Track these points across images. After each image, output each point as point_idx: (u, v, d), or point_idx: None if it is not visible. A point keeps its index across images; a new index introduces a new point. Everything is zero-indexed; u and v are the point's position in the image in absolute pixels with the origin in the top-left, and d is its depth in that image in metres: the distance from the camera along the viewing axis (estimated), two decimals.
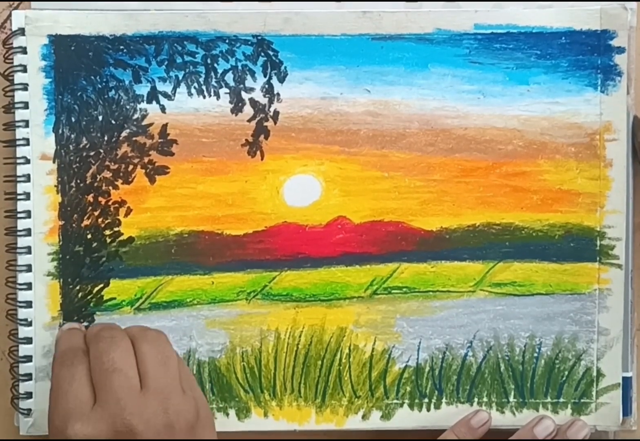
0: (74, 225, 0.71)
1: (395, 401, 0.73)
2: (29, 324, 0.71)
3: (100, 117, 0.71)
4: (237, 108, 0.71)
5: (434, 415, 0.73)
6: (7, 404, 0.72)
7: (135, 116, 0.71)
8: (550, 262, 0.72)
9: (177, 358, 0.64)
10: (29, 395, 0.71)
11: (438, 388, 0.73)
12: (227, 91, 0.71)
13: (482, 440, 0.72)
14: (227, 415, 0.72)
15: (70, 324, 0.70)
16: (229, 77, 0.71)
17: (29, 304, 0.71)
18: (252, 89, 0.71)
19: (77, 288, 0.71)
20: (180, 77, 0.71)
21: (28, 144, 0.71)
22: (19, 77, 0.71)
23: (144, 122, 0.71)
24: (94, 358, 0.62)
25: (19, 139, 0.71)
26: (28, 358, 0.71)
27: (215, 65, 0.71)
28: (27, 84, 0.71)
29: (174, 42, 0.71)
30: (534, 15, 0.71)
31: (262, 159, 0.72)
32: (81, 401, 0.60)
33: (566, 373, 0.73)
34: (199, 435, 0.62)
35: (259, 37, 0.71)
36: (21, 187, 0.71)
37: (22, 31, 0.70)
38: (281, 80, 0.71)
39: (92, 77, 0.71)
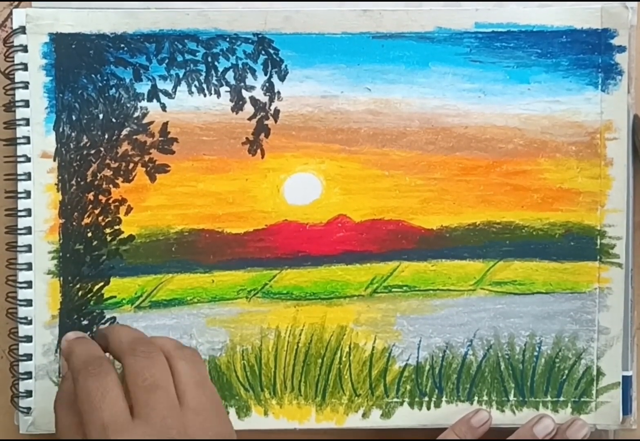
0: (74, 223, 0.71)
1: (395, 399, 0.73)
2: (29, 322, 0.71)
3: (100, 116, 0.71)
4: (237, 106, 0.71)
5: (434, 413, 0.73)
6: (7, 402, 0.72)
7: (136, 114, 0.71)
8: (550, 261, 0.72)
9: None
10: (29, 394, 0.71)
11: (438, 387, 0.73)
12: (228, 89, 0.71)
13: (482, 439, 0.72)
14: (227, 413, 0.72)
15: (75, 333, 0.65)
16: (230, 76, 0.71)
17: (29, 303, 0.71)
18: (252, 88, 0.71)
19: (78, 286, 0.71)
20: (181, 76, 0.71)
21: (29, 143, 0.71)
22: (19, 76, 0.71)
23: (145, 121, 0.71)
24: (132, 373, 0.59)
25: (20, 138, 0.71)
26: (28, 357, 0.71)
27: (216, 63, 0.71)
28: (27, 82, 0.71)
29: (174, 41, 0.71)
30: (534, 13, 0.71)
31: (262, 157, 0.72)
32: (118, 415, 0.57)
33: (566, 371, 0.73)
34: None
35: (260, 36, 0.71)
36: (22, 186, 0.71)
37: (22, 29, 0.70)
38: (282, 78, 0.71)
39: (93, 76, 0.71)
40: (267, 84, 0.71)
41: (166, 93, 0.71)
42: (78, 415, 0.58)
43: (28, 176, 0.71)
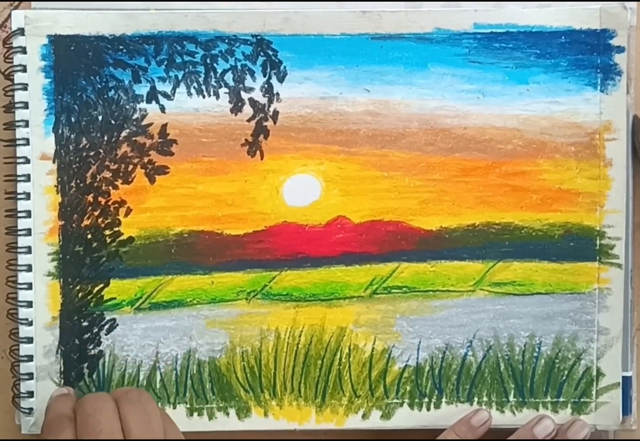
0: (74, 225, 0.71)
1: (395, 400, 0.73)
2: (30, 323, 0.71)
3: (100, 117, 0.71)
4: (236, 108, 0.71)
5: (433, 414, 0.73)
6: (8, 403, 0.72)
7: (135, 116, 0.71)
8: (550, 261, 0.72)
9: (162, 413, 0.66)
10: (30, 394, 0.72)
11: (438, 388, 0.73)
12: (227, 90, 0.71)
13: (482, 439, 0.72)
14: (227, 414, 0.72)
15: (59, 390, 0.71)
16: (229, 77, 0.71)
17: (29, 304, 0.71)
18: (251, 89, 0.71)
19: (77, 287, 0.72)
20: (180, 77, 0.71)
21: (28, 144, 0.71)
22: (18, 77, 0.71)
23: (144, 122, 0.71)
24: (80, 422, 0.64)
25: (19, 139, 0.71)
26: (29, 358, 0.71)
27: (215, 65, 0.71)
28: (27, 84, 0.71)
29: (173, 42, 0.71)
30: (533, 14, 0.71)
31: (261, 158, 0.72)
32: None
33: (566, 372, 0.73)
34: None
35: (259, 37, 0.71)
36: (21, 187, 0.71)
37: (21, 31, 0.70)
38: (281, 80, 0.71)
39: (92, 77, 0.71)
40: (266, 86, 0.71)
41: (165, 95, 0.71)
42: None
43: (27, 177, 0.71)
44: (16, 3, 0.72)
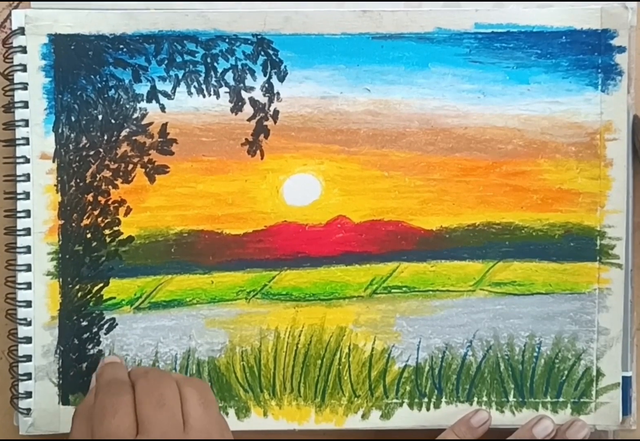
0: (73, 224, 0.71)
1: (394, 400, 0.73)
2: (29, 323, 0.71)
3: (100, 117, 0.71)
4: (237, 107, 0.71)
5: (433, 414, 0.73)
6: (7, 403, 0.72)
7: (135, 115, 0.71)
8: (550, 261, 0.72)
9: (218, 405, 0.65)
10: (28, 395, 0.71)
11: (438, 388, 0.73)
12: (227, 90, 0.71)
13: (481, 439, 0.72)
14: (227, 414, 0.72)
15: (111, 358, 0.70)
16: (229, 77, 0.71)
17: (28, 304, 0.71)
18: (252, 88, 0.71)
19: (77, 287, 0.71)
20: (180, 77, 0.71)
21: (28, 144, 0.71)
22: (18, 77, 0.71)
23: (144, 122, 0.71)
24: (143, 392, 0.62)
25: (19, 139, 0.71)
26: (28, 358, 0.71)
27: (215, 64, 0.71)
28: (27, 84, 0.70)
29: (173, 42, 0.71)
30: (534, 14, 0.71)
31: (262, 158, 0.72)
32: (124, 431, 0.60)
33: (566, 372, 0.73)
34: None
35: (259, 36, 0.71)
36: (21, 187, 0.71)
37: (22, 30, 0.70)
38: (281, 79, 0.71)
39: (92, 77, 0.71)
40: (266, 85, 0.71)
41: (165, 94, 0.71)
42: (91, 427, 0.61)
43: (27, 177, 0.71)
44: (16, 2, 0.72)
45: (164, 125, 0.71)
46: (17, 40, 0.70)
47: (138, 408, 0.61)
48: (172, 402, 0.62)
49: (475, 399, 0.73)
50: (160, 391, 0.62)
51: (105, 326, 0.72)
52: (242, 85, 0.71)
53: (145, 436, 0.60)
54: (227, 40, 0.71)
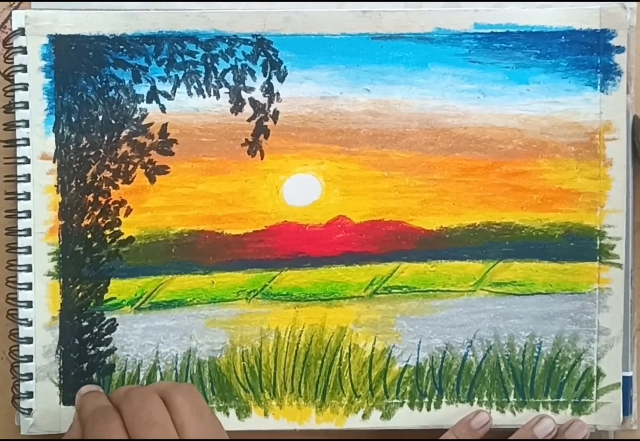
0: (74, 225, 0.71)
1: (395, 400, 0.73)
2: (30, 324, 0.71)
3: (100, 117, 0.71)
4: (237, 108, 0.71)
5: (434, 414, 0.73)
6: (8, 403, 0.72)
7: (135, 116, 0.71)
8: (550, 261, 0.72)
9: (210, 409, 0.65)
10: (29, 395, 0.72)
11: (438, 388, 0.73)
12: (227, 90, 0.71)
13: (482, 439, 0.72)
14: (227, 414, 0.72)
15: (88, 387, 0.70)
16: (229, 77, 0.71)
17: (29, 304, 0.71)
18: (251, 89, 0.71)
19: (78, 287, 0.72)
20: (180, 77, 0.71)
21: (28, 144, 0.71)
22: (19, 77, 0.71)
23: (144, 122, 0.71)
24: (130, 415, 0.61)
25: (19, 139, 0.71)
26: (29, 358, 0.71)
27: (215, 64, 0.71)
28: (27, 84, 0.71)
29: (173, 42, 0.71)
30: (533, 14, 0.71)
31: (262, 158, 0.72)
32: None
33: (566, 372, 0.73)
34: None
35: (259, 37, 0.71)
36: (21, 187, 0.71)
37: (22, 31, 0.70)
38: (281, 79, 0.71)
39: (92, 77, 0.71)
40: (266, 85, 0.71)
41: (165, 94, 0.71)
42: None
43: (28, 177, 0.71)
44: (16, 3, 0.72)
45: (164, 125, 0.71)
46: (18, 41, 0.70)
47: (130, 431, 0.60)
48: (162, 418, 0.61)
49: (476, 399, 0.73)
50: (146, 411, 0.61)
51: (106, 326, 0.72)
52: (242, 85, 0.71)
53: None
54: (227, 40, 0.71)
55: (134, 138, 0.71)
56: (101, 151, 0.71)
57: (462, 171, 0.72)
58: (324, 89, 0.71)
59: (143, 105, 0.71)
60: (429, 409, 0.73)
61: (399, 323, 0.73)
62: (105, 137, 0.71)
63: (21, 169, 0.71)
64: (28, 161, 0.71)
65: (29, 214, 0.71)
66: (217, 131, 0.71)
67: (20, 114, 0.71)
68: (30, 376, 0.71)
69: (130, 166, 0.71)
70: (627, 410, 0.73)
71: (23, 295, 0.71)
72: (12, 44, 0.71)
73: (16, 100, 0.71)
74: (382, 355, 0.73)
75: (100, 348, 0.72)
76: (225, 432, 0.64)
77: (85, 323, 0.72)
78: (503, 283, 0.72)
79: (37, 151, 0.71)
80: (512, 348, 0.73)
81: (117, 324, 0.72)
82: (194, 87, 0.71)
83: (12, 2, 0.72)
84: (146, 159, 0.71)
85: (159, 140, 0.71)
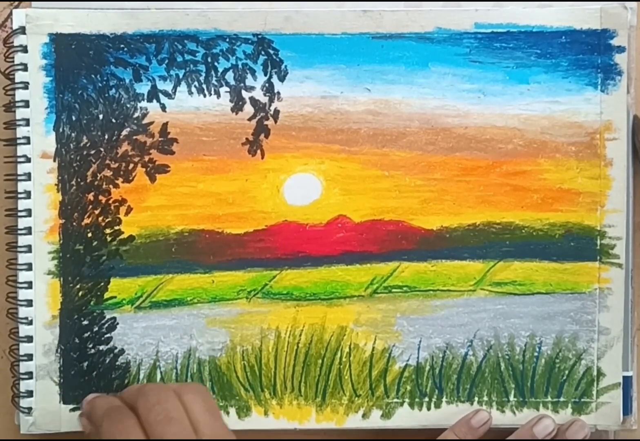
0: (74, 224, 0.71)
1: (395, 400, 0.73)
2: (30, 322, 0.71)
3: (100, 116, 0.71)
4: (237, 107, 0.71)
5: (434, 414, 0.73)
6: (8, 402, 0.72)
7: (136, 115, 0.71)
8: (550, 261, 0.72)
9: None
10: (29, 394, 0.72)
11: (438, 387, 0.73)
12: (228, 89, 0.71)
13: (482, 439, 0.72)
14: (228, 413, 0.72)
15: (93, 395, 0.69)
16: (230, 76, 0.71)
17: (29, 303, 0.71)
18: (252, 88, 0.71)
19: (78, 286, 0.72)
20: (181, 76, 0.71)
21: (29, 143, 0.71)
22: (19, 76, 0.71)
23: (145, 121, 0.71)
24: (146, 411, 0.61)
25: (20, 138, 0.71)
26: (29, 357, 0.71)
27: (216, 64, 0.71)
28: (27, 83, 0.71)
29: (174, 41, 0.71)
30: (534, 14, 0.71)
31: (262, 157, 0.72)
32: None
33: (566, 372, 0.73)
34: None
35: (260, 36, 0.71)
36: (22, 186, 0.71)
37: (22, 30, 0.70)
38: (281, 79, 0.71)
39: (93, 76, 0.71)
40: (266, 85, 0.71)
41: (166, 93, 0.71)
42: None
43: (28, 176, 0.71)
44: (17, 2, 0.72)
45: (165, 124, 0.71)
46: (18, 40, 0.71)
47: (147, 428, 0.60)
48: (179, 414, 0.61)
49: (476, 399, 0.73)
50: (163, 406, 0.61)
51: (106, 325, 0.72)
52: (242, 84, 0.71)
53: None
54: (227, 39, 0.71)
55: (134, 137, 0.71)
56: (101, 149, 0.71)
57: (463, 171, 0.72)
58: (324, 88, 0.71)
59: (143, 104, 0.71)
60: (429, 408, 0.73)
61: (399, 323, 0.73)
62: (106, 136, 0.71)
63: (21, 168, 0.71)
64: (28, 160, 0.71)
65: (29, 213, 0.71)
66: (218, 130, 0.71)
67: (20, 113, 0.71)
68: (30, 375, 0.71)
69: (131, 165, 0.71)
70: (627, 409, 0.73)
71: (23, 294, 0.71)
72: (12, 42, 0.71)
73: (17, 99, 0.71)
74: (383, 355, 0.73)
75: (101, 347, 0.72)
76: (232, 432, 0.64)
77: (85, 322, 0.72)
78: (503, 282, 0.72)
79: (38, 150, 0.71)
80: (513, 347, 0.73)
81: (117, 323, 0.72)
82: (195, 86, 0.71)
83: (12, 1, 0.72)
84: (146, 158, 0.71)
85: (160, 139, 0.71)
